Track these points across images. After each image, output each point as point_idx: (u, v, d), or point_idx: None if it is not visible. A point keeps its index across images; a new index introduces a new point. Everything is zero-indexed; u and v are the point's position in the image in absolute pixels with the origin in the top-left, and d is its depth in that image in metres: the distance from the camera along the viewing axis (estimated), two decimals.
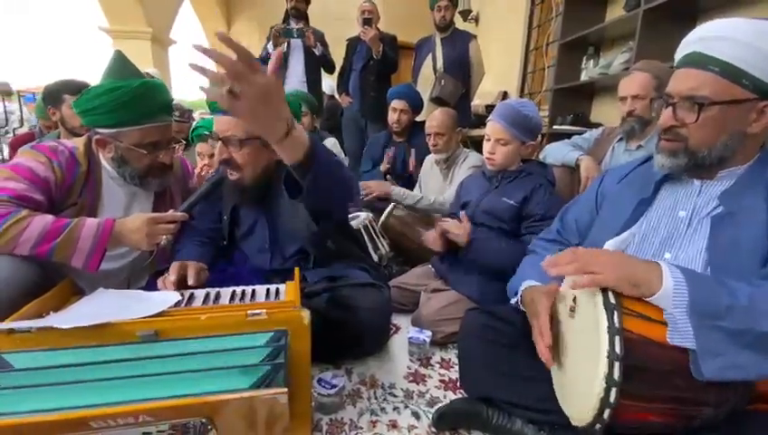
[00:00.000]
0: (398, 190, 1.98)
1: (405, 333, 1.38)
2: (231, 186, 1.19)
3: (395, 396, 1.10)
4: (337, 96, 3.75)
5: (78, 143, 1.14)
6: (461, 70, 2.85)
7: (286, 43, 2.94)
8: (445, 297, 1.36)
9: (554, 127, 2.79)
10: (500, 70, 4.30)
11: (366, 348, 1.22)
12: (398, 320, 1.47)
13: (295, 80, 3.00)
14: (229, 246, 1.35)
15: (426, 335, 1.25)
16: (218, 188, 1.23)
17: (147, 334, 0.75)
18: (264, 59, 2.92)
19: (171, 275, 1.02)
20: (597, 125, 2.36)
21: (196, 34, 6.41)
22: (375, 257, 1.73)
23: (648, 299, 0.63)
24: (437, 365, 1.25)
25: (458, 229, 1.31)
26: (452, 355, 1.30)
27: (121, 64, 1.12)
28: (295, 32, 2.81)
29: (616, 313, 0.61)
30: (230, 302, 0.99)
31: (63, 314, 0.82)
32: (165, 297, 0.93)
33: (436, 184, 2.06)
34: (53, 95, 1.93)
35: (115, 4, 4.27)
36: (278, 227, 1.26)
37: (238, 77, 0.63)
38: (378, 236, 1.79)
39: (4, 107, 4.39)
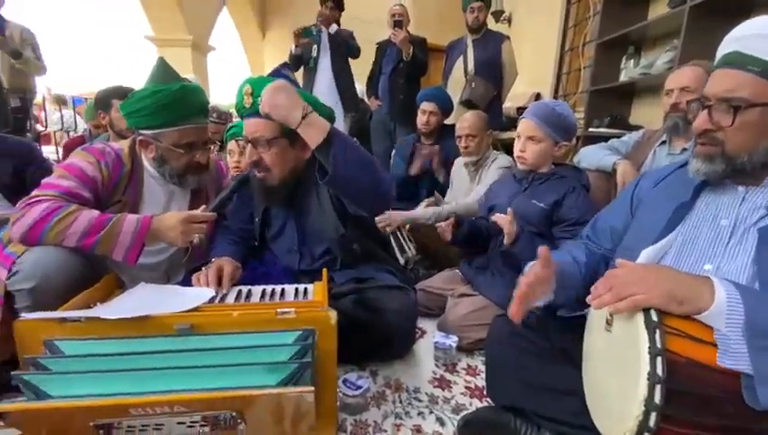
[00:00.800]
0: (419, 214, 1.87)
1: (431, 337, 1.37)
2: (261, 187, 1.23)
3: (420, 401, 1.09)
4: (366, 99, 3.79)
5: (123, 145, 1.21)
6: (493, 72, 2.80)
7: (315, 46, 3.00)
8: (472, 302, 1.34)
9: (590, 130, 2.69)
10: (533, 71, 4.19)
11: (392, 351, 1.22)
12: (423, 324, 1.46)
13: (325, 81, 3.04)
14: (260, 246, 1.40)
15: (452, 340, 1.24)
16: (244, 186, 1.27)
17: (183, 328, 0.78)
18: (292, 60, 3.00)
19: (210, 274, 1.05)
20: (636, 128, 2.25)
21: (232, 41, 6.66)
22: (402, 260, 1.73)
23: (695, 317, 0.58)
24: (463, 371, 1.23)
25: (508, 224, 1.26)
26: (478, 362, 1.28)
27: (163, 70, 1.18)
28: (314, 29, 2.87)
29: (658, 332, 0.57)
30: (261, 300, 1.02)
31: (108, 306, 0.88)
32: (200, 293, 0.97)
33: (463, 186, 2.04)
34: (104, 100, 2.07)
35: (160, 14, 4.51)
36: (306, 228, 1.29)
37: None
38: (405, 239, 1.79)
39: (61, 114, 4.78)
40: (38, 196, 1.03)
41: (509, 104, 3.73)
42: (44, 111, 4.94)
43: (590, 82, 2.83)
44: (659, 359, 0.56)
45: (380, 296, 1.16)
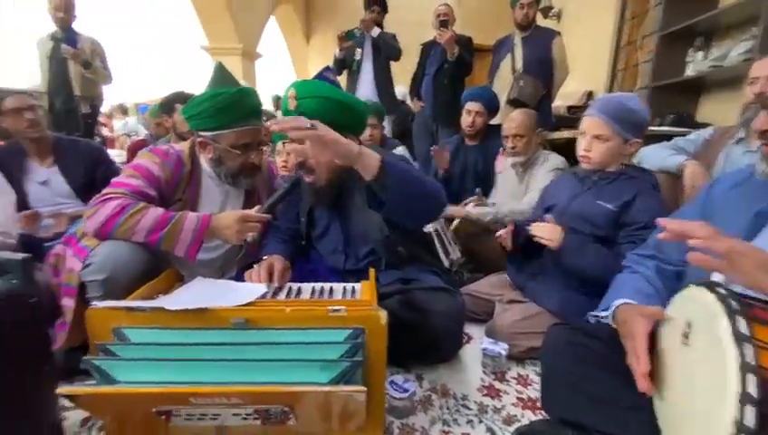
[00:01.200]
0: (475, 212, 1.85)
1: (477, 343, 1.32)
2: (306, 188, 1.25)
3: (468, 408, 1.05)
4: (408, 101, 3.77)
5: (184, 147, 1.28)
6: (542, 69, 2.69)
7: (360, 50, 3.04)
8: (522, 309, 1.28)
9: (651, 128, 2.50)
10: (585, 68, 3.99)
11: (437, 354, 1.19)
12: (470, 329, 1.41)
13: (367, 84, 3.06)
14: (307, 245, 1.42)
15: (502, 348, 1.18)
16: (296, 189, 1.30)
17: (238, 322, 0.80)
18: (336, 63, 3.05)
19: (261, 271, 1.08)
20: (703, 126, 2.06)
21: (278, 47, 6.91)
22: (446, 263, 1.69)
23: None
24: (514, 381, 1.17)
25: (548, 232, 1.22)
26: (530, 371, 1.21)
27: (221, 75, 1.24)
28: (357, 32, 2.90)
29: (749, 345, 0.51)
30: (311, 297, 1.03)
31: (170, 298, 0.92)
32: (253, 288, 0.99)
33: (510, 187, 1.96)
34: (168, 105, 2.22)
35: (214, 25, 4.79)
36: (351, 229, 1.29)
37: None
38: (449, 242, 1.74)
39: (126, 121, 5.27)
40: (110, 193, 1.11)
41: (558, 103, 3.57)
42: (111, 117, 5.46)
43: (650, 77, 2.64)
44: (752, 376, 0.49)
45: (427, 298, 1.13)
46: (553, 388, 0.93)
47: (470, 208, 1.87)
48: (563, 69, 2.80)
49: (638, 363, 0.67)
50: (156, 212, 1.09)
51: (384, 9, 3.14)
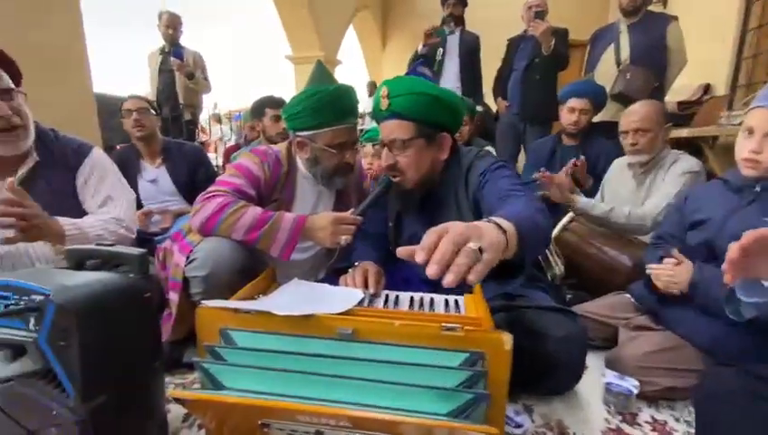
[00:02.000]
0: (584, 201, 1.65)
1: (594, 373, 1.13)
2: (396, 192, 1.19)
3: None
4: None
5: (281, 147, 1.28)
6: (654, 59, 2.36)
7: (441, 50, 2.94)
8: (657, 339, 1.06)
9: None
10: (700, 58, 3.42)
11: (551, 385, 1.02)
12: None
13: (450, 83, 2.95)
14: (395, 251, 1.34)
15: (631, 384, 0.98)
16: (388, 192, 1.23)
17: (345, 332, 0.73)
18: (416, 59, 2.97)
19: (356, 276, 1.03)
20: None
21: (354, 52, 7.08)
22: (547, 277, 1.50)
23: None
24: (647, 426, 0.97)
25: (673, 276, 1.02)
26: (667, 416, 0.99)
27: (320, 73, 1.22)
28: (446, 29, 2.81)
29: None
30: (409, 307, 0.94)
31: (271, 299, 0.89)
32: (350, 294, 0.93)
33: (625, 192, 1.69)
34: (258, 109, 2.31)
35: (298, 35, 5.05)
36: None
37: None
38: (551, 253, 1.55)
39: (220, 128, 5.87)
40: (214, 191, 1.13)
41: (667, 98, 3.13)
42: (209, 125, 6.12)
43: None
44: None
45: (541, 319, 0.98)
46: None
47: (578, 198, 1.64)
48: (680, 59, 2.43)
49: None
50: (255, 211, 1.09)
51: (463, 2, 3.01)
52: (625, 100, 2.36)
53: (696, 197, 1.18)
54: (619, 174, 1.74)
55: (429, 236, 0.60)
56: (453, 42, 2.99)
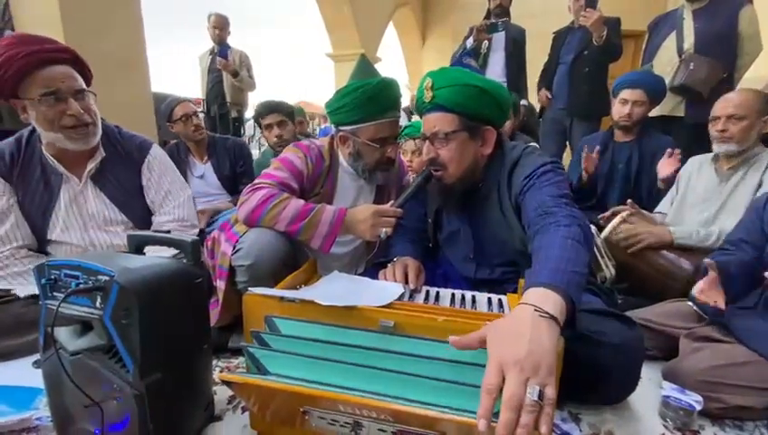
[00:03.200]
0: (680, 232, 1.43)
1: (648, 384, 1.05)
2: (436, 186, 1.16)
3: None
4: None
5: (324, 142, 1.30)
6: (722, 48, 2.16)
7: (486, 42, 2.86)
8: (724, 353, 0.96)
9: None
10: None
11: (604, 395, 0.96)
12: None
13: (496, 76, 2.88)
14: (435, 247, 1.32)
15: (694, 400, 0.90)
16: (428, 184, 1.21)
17: (387, 324, 0.73)
18: (462, 55, 2.91)
19: (396, 271, 1.02)
20: None
21: (392, 49, 7.09)
22: (597, 280, 1.42)
23: None
24: None
25: (712, 293, 0.95)
26: None
27: (364, 67, 1.22)
28: (500, 25, 2.73)
29: None
30: (450, 304, 0.92)
31: (313, 289, 0.91)
32: (390, 288, 0.93)
33: (701, 190, 1.52)
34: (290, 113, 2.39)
35: (340, 33, 5.12)
36: (483, 238, 1.15)
37: None
38: (602, 255, 1.47)
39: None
40: (259, 184, 1.16)
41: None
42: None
43: None
44: None
45: (593, 324, 0.91)
46: None
47: (675, 229, 1.45)
48: (755, 46, 2.21)
49: None
50: (297, 203, 1.11)
51: None
52: (687, 92, 2.19)
53: None
54: (697, 170, 1.58)
55: (489, 377, 0.55)
56: (499, 35, 2.91)
